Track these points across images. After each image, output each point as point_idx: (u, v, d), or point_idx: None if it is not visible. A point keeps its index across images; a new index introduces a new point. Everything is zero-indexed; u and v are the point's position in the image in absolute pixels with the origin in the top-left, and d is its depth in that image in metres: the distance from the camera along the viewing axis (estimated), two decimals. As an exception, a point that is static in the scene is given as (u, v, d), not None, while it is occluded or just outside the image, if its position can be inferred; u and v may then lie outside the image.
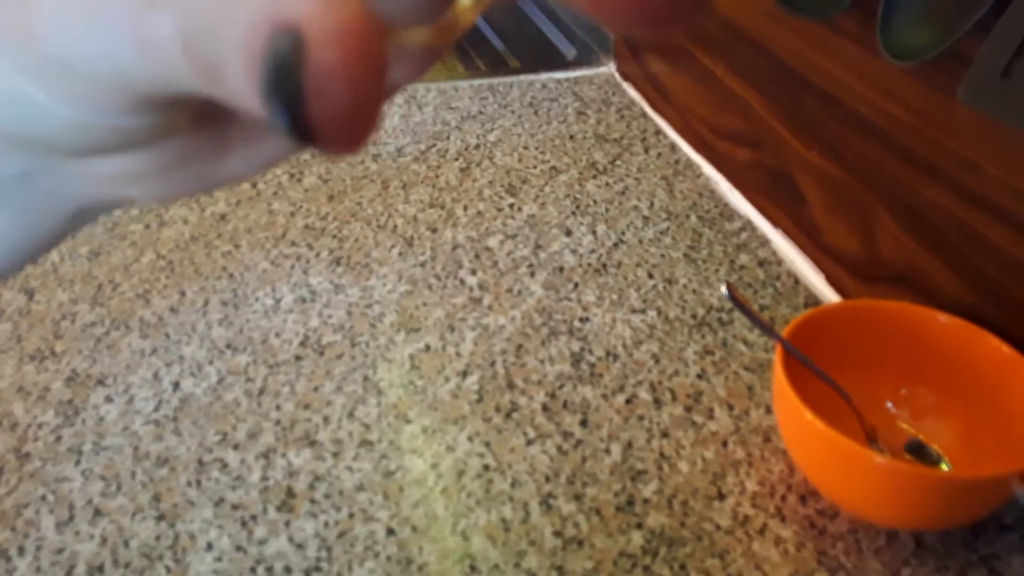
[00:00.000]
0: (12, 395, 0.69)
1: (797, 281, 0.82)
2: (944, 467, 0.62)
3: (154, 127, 0.19)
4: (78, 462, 0.64)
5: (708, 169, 0.98)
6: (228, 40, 0.14)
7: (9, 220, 0.22)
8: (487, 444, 0.66)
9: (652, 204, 0.92)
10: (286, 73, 0.14)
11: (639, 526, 0.59)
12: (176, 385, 0.70)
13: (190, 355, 0.73)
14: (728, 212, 0.91)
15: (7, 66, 0.17)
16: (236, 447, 0.65)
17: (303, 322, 0.77)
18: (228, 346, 0.74)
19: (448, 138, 1.05)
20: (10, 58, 0.17)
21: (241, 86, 0.15)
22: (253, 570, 0.56)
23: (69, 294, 0.79)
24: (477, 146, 1.03)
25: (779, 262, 0.84)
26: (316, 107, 0.14)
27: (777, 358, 0.60)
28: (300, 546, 0.58)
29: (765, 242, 0.87)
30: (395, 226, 0.89)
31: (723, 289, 0.71)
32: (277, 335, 0.75)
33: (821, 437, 0.56)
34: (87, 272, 0.82)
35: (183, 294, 0.79)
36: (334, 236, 0.87)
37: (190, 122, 0.20)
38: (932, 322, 0.65)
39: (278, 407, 0.68)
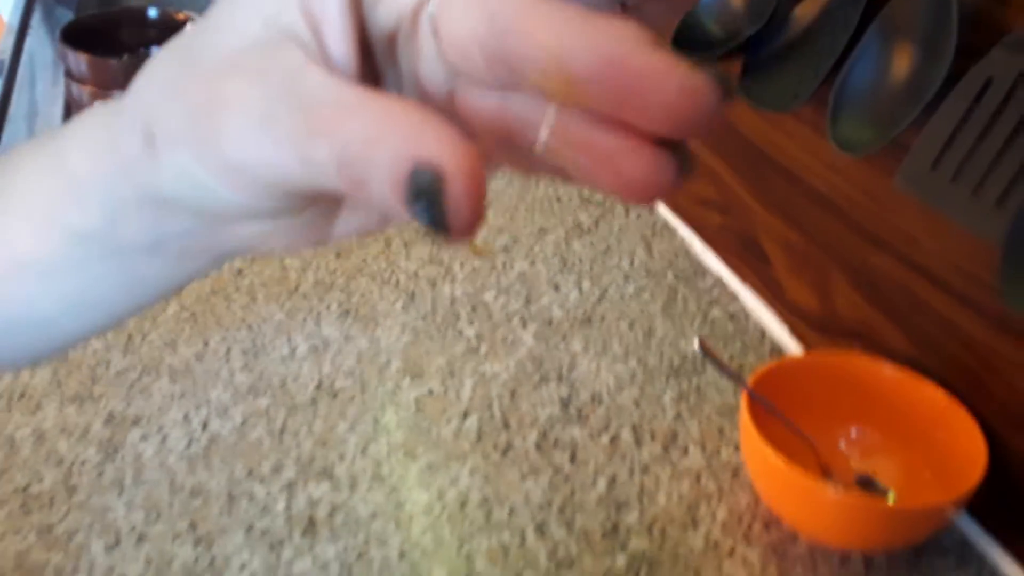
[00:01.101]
0: (57, 434, 0.76)
1: (763, 333, 0.91)
2: (890, 499, 0.70)
3: (288, 208, 0.26)
4: (121, 493, 0.71)
5: (683, 231, 1.07)
6: (376, 166, 0.21)
7: (163, 265, 0.29)
8: (486, 478, 0.74)
9: (632, 262, 1.02)
10: (430, 193, 0.21)
11: (623, 549, 0.67)
12: (205, 425, 0.78)
13: (216, 398, 0.80)
14: (701, 270, 1.00)
15: (192, 160, 0.24)
16: (262, 480, 0.73)
17: (317, 368, 0.84)
18: (250, 390, 0.81)
19: (444, 199, 1.14)
20: (196, 156, 0.24)
21: (384, 194, 0.21)
22: (283, 588, 0.64)
23: (103, 342, 0.86)
24: (471, 207, 1.12)
25: (747, 316, 0.93)
26: (451, 214, 0.21)
27: (744, 404, 0.69)
28: (324, 567, 0.65)
29: (734, 298, 0.96)
30: (398, 281, 0.97)
31: (695, 344, 0.80)
32: (294, 380, 0.83)
33: (782, 473, 0.65)
34: (117, 321, 0.89)
35: (207, 343, 0.87)
36: (342, 290, 0.95)
37: (309, 203, 0.28)
38: (880, 372, 0.74)
39: (298, 445, 0.76)
